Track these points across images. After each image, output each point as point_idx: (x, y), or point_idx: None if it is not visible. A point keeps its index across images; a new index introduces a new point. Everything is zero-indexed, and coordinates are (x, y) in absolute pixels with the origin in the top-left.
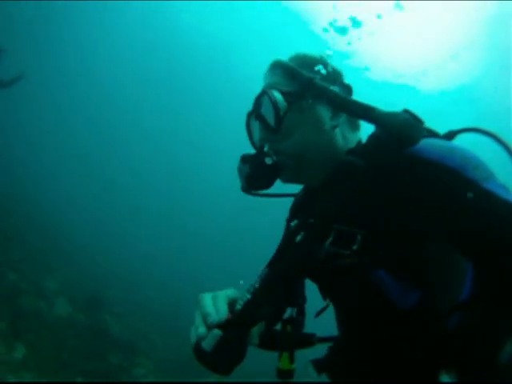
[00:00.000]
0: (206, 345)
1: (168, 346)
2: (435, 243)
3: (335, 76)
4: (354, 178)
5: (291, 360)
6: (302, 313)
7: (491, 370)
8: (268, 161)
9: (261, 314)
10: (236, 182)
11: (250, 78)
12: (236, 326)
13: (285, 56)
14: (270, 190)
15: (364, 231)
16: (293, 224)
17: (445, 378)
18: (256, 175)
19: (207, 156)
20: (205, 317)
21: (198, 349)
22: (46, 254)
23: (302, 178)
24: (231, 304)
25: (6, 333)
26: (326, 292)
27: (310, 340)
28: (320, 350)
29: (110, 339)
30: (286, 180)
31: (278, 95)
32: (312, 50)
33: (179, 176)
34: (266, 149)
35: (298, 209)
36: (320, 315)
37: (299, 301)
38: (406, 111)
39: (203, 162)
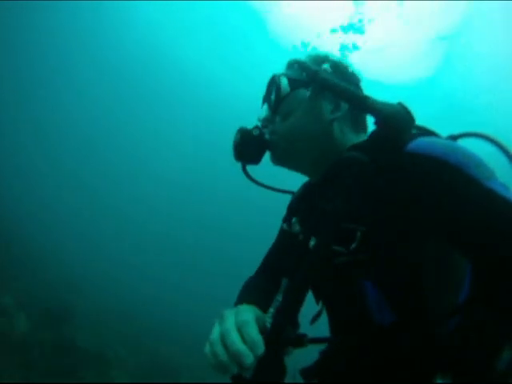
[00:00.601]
0: (247, 374)
1: (138, 354)
2: (434, 243)
3: (342, 72)
4: (358, 173)
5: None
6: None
7: (488, 376)
8: (255, 132)
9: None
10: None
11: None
12: (273, 349)
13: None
14: (271, 185)
15: (364, 228)
16: (293, 222)
17: (439, 380)
18: (243, 144)
19: (195, 160)
20: (238, 357)
21: (237, 380)
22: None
23: (291, 160)
24: (261, 328)
25: None
26: (318, 293)
27: (300, 340)
28: (311, 352)
29: (78, 353)
30: (275, 159)
31: (283, 79)
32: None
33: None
34: (263, 128)
35: (298, 206)
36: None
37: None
38: (400, 103)
39: (191, 167)
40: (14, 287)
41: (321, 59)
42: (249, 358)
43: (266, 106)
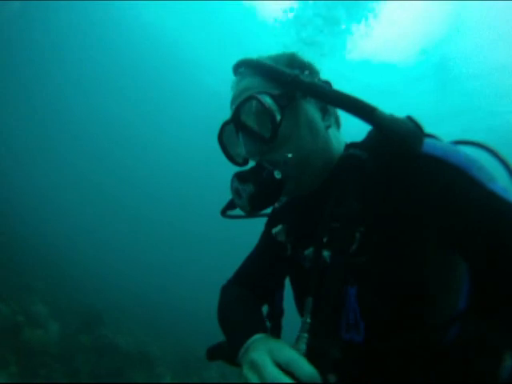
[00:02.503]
0: None
1: (172, 349)
2: (436, 245)
3: (313, 72)
4: (360, 173)
5: None
6: (278, 327)
7: None
8: (277, 174)
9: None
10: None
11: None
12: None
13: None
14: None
15: (363, 229)
16: (276, 230)
17: None
18: (264, 193)
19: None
20: None
21: None
22: (25, 273)
23: (303, 186)
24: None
25: (20, 374)
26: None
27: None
28: None
29: (120, 354)
30: (289, 192)
31: (268, 100)
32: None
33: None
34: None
35: (287, 214)
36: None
37: (277, 314)
38: (410, 119)
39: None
40: (43, 294)
41: (285, 61)
42: None
43: (237, 134)
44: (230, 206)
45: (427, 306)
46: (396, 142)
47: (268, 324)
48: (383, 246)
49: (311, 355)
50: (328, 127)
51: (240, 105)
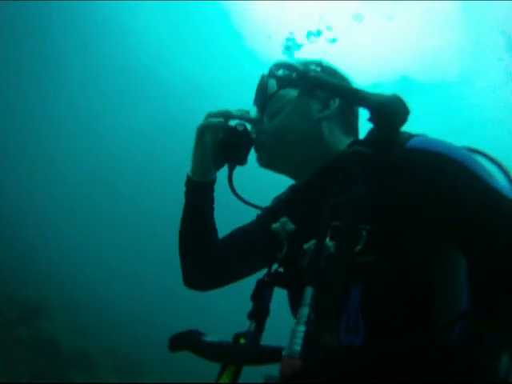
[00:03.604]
0: None
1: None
2: (440, 242)
3: (331, 72)
4: (366, 168)
5: (235, 377)
6: (261, 328)
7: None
8: (239, 127)
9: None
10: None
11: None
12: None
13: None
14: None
15: (369, 227)
16: (278, 225)
17: None
18: (228, 142)
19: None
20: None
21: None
22: None
23: (278, 161)
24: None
25: None
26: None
27: (277, 355)
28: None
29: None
30: (262, 160)
31: (271, 80)
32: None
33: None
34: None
35: (288, 207)
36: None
37: (262, 314)
38: (394, 95)
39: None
40: None
41: (308, 62)
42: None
43: (254, 108)
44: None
45: (432, 306)
46: (395, 137)
47: (249, 323)
48: (390, 245)
49: (306, 345)
50: (321, 119)
51: (258, 82)
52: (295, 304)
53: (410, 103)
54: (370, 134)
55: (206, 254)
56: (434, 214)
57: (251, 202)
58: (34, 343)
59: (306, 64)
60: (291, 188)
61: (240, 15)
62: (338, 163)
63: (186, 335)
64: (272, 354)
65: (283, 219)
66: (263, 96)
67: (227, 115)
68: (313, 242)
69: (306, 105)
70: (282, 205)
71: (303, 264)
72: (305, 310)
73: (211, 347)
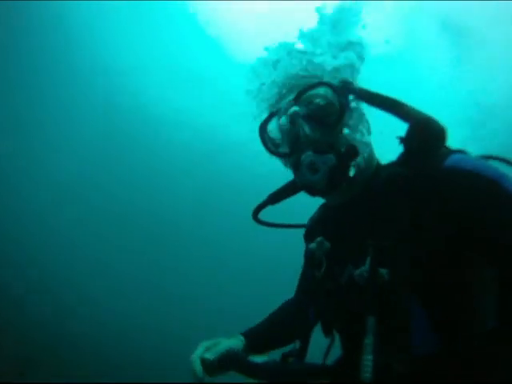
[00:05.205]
0: None
1: None
2: (473, 260)
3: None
4: (406, 190)
5: None
6: (306, 346)
7: None
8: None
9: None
10: None
11: None
12: None
13: None
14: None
15: (415, 246)
16: (314, 245)
17: None
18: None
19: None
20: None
21: None
22: None
23: (357, 178)
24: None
25: None
26: (336, 323)
27: (326, 371)
28: None
29: None
30: (330, 187)
31: (329, 90)
32: None
33: None
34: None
35: (323, 228)
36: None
37: (307, 331)
38: (435, 123)
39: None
40: None
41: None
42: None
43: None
44: (264, 205)
45: (473, 321)
46: (434, 154)
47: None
48: (437, 263)
49: (377, 373)
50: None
51: (307, 88)
52: (328, 323)
53: None
54: (407, 153)
55: None
56: (471, 233)
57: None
58: None
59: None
60: (324, 206)
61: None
62: (378, 186)
63: (233, 357)
64: (320, 372)
65: (319, 239)
66: (340, 110)
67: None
68: (364, 268)
69: (364, 117)
70: (317, 225)
71: (351, 292)
72: (369, 339)
73: (262, 368)
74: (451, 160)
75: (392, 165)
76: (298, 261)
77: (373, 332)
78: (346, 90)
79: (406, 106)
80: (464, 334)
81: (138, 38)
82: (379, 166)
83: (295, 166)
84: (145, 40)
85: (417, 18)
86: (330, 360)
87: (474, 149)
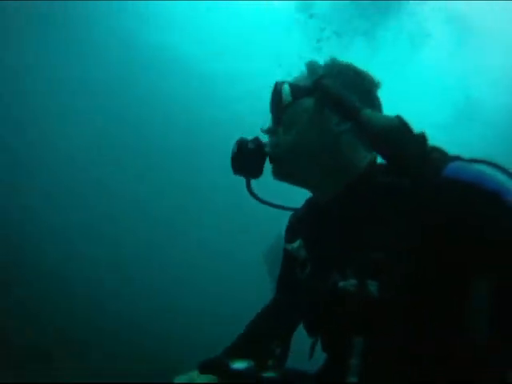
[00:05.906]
0: None
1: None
2: (472, 275)
3: (357, 82)
4: (400, 201)
5: None
6: (287, 350)
7: None
8: (251, 145)
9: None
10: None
11: None
12: None
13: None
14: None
15: (410, 263)
16: (293, 246)
17: None
18: (239, 158)
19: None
20: None
21: None
22: None
23: (293, 176)
24: None
25: None
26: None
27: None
28: None
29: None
30: (276, 174)
31: (285, 87)
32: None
33: None
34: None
35: (304, 228)
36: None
37: (288, 335)
38: (398, 117)
39: None
40: None
41: (334, 64)
42: None
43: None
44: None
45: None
46: (427, 163)
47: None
48: (433, 281)
49: None
50: (340, 134)
51: (272, 89)
52: (311, 325)
53: None
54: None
55: None
56: (471, 250)
57: (277, 203)
58: None
59: (332, 66)
60: (309, 203)
61: None
62: (365, 190)
63: (215, 361)
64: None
65: (297, 243)
66: (278, 106)
67: None
68: (352, 282)
69: (323, 117)
70: (300, 223)
71: (336, 303)
72: (356, 360)
73: (238, 376)
74: (450, 170)
75: (385, 168)
76: None
77: (360, 353)
78: (303, 92)
79: (366, 112)
80: (455, 355)
81: None
82: (373, 166)
83: None
84: None
85: None
86: (314, 359)
87: (458, 138)
